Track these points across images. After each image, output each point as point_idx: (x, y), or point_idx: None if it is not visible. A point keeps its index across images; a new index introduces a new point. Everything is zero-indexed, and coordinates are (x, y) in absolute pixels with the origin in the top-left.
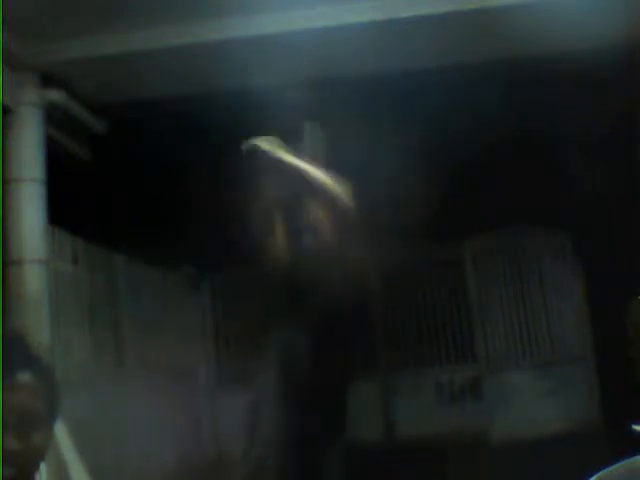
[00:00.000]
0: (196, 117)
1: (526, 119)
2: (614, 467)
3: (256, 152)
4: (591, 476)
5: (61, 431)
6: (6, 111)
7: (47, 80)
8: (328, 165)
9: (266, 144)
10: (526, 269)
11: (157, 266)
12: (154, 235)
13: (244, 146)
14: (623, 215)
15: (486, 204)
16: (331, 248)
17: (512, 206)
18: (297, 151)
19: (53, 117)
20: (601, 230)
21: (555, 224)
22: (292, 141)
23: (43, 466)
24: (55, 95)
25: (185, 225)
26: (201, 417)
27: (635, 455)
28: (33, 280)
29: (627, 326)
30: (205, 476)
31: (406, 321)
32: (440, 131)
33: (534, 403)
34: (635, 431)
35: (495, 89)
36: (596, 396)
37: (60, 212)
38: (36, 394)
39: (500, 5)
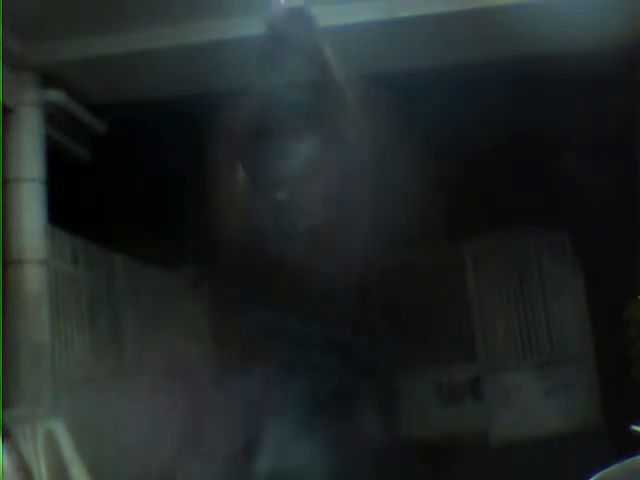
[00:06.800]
0: (196, 117)
1: (526, 119)
2: (614, 467)
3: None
4: (591, 476)
5: (61, 431)
6: (6, 111)
7: (47, 80)
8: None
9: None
10: (526, 269)
11: (157, 266)
12: (154, 235)
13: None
14: (623, 215)
15: (486, 204)
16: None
17: (512, 206)
18: None
19: (53, 117)
20: (600, 230)
21: (555, 224)
22: None
23: (43, 466)
24: (55, 95)
25: (185, 225)
26: (201, 417)
27: (635, 455)
28: (33, 280)
29: (627, 326)
30: (205, 476)
31: (406, 321)
32: (440, 131)
33: (534, 403)
34: (635, 431)
35: (495, 89)
36: (596, 396)
37: (60, 212)
38: None
39: (500, 5)
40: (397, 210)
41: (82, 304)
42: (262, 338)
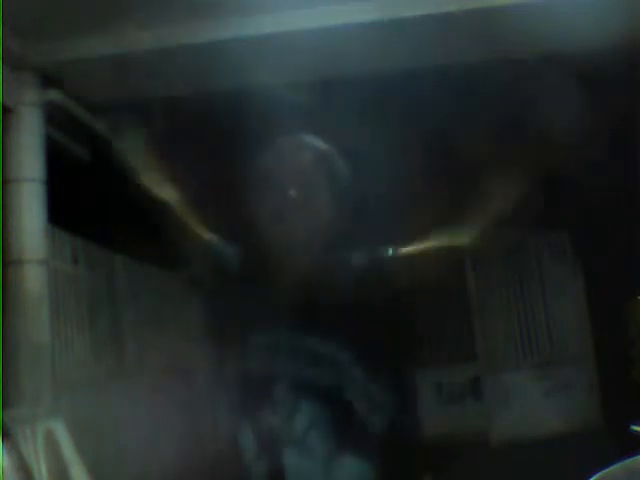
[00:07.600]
0: (196, 117)
1: (526, 119)
2: (614, 467)
3: None
4: (591, 476)
5: (61, 431)
6: (6, 111)
7: (47, 80)
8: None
9: None
10: (526, 269)
11: (157, 266)
12: (154, 235)
13: None
14: (623, 215)
15: (486, 204)
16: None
17: (512, 206)
18: None
19: (53, 117)
20: (600, 230)
21: (555, 224)
22: None
23: (43, 466)
24: (55, 95)
25: (185, 225)
26: (201, 417)
27: (635, 455)
28: (33, 280)
29: (627, 326)
30: (205, 476)
31: (406, 321)
32: (440, 131)
33: (534, 403)
34: (635, 431)
35: (495, 89)
36: (596, 396)
37: (60, 212)
38: None
39: (500, 5)
40: (397, 210)
41: (82, 304)
42: (261, 338)
